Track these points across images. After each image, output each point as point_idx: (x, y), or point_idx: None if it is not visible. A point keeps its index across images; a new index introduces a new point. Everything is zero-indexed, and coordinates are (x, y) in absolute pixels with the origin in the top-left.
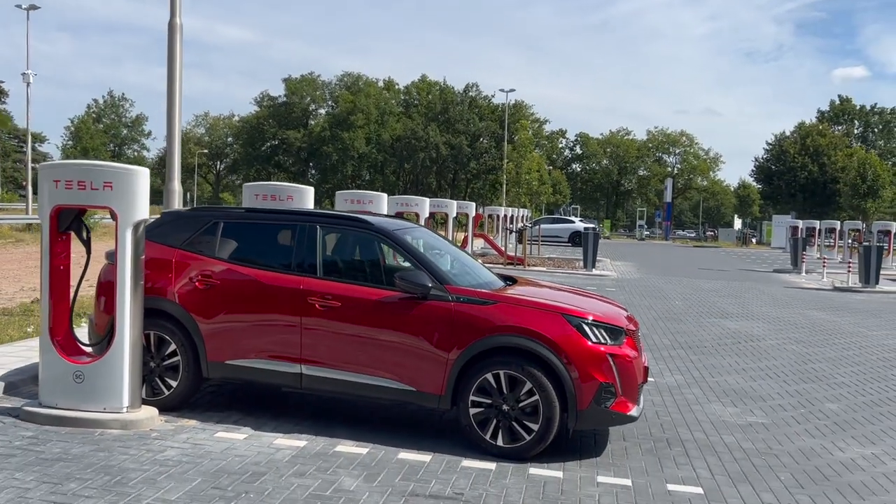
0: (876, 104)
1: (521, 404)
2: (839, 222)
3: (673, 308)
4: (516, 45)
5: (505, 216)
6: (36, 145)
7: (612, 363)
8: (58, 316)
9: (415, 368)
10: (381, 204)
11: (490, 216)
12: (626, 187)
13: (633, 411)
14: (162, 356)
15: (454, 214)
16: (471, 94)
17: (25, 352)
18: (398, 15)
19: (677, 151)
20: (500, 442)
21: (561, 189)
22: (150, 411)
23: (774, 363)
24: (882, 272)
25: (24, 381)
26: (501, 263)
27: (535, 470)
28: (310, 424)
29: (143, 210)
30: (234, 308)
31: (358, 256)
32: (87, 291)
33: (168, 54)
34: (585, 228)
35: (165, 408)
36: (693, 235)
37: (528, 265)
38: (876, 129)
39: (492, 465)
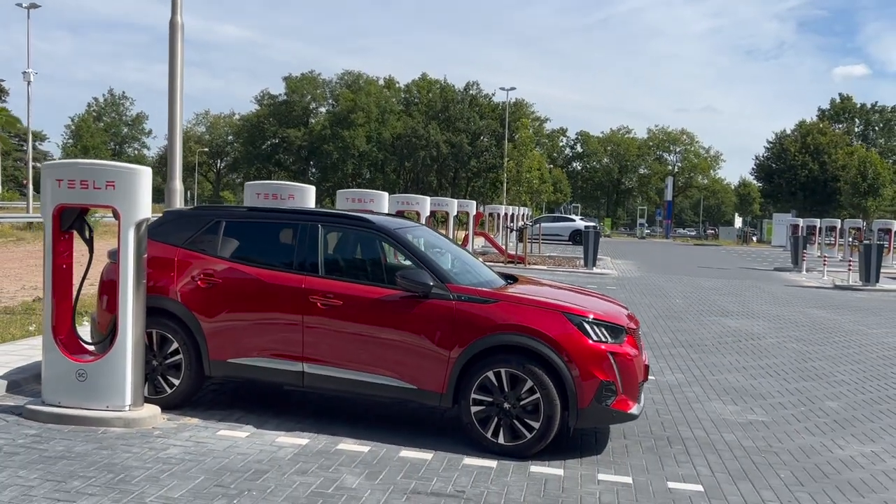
0: (877, 102)
1: (522, 402)
2: (840, 220)
3: (673, 306)
4: (516, 43)
5: (505, 215)
6: (36, 144)
7: (612, 361)
8: (60, 314)
9: (416, 367)
10: (381, 202)
11: (491, 215)
12: (627, 186)
13: (634, 409)
14: (164, 355)
15: (455, 213)
16: (471, 92)
17: (28, 350)
18: (398, 14)
19: (678, 150)
20: (501, 440)
21: (561, 187)
22: (152, 409)
23: (775, 361)
24: (882, 270)
25: (26, 380)
26: (502, 262)
27: (537, 468)
28: (312, 422)
29: (145, 209)
30: (236, 307)
31: (359, 255)
32: (89, 290)
33: (169, 53)
34: (586, 227)
35: (168, 406)
36: (693, 234)
37: (529, 264)
38: (876, 128)
39: (493, 463)
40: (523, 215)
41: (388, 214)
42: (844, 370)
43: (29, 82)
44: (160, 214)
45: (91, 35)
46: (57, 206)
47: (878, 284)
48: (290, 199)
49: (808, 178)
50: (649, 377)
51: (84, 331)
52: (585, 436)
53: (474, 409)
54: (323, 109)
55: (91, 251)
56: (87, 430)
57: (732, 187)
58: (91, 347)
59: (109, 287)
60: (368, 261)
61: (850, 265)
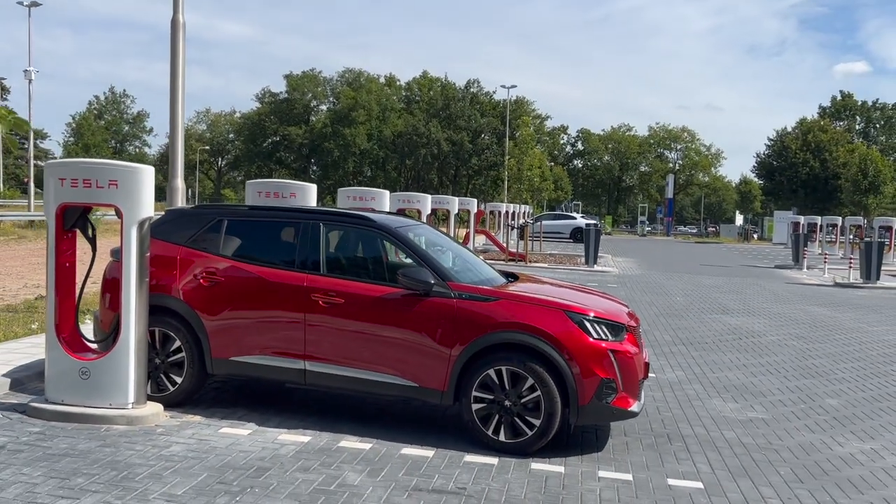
0: (878, 100)
1: (523, 400)
2: (840, 218)
3: (674, 304)
4: (517, 41)
5: (506, 212)
6: (38, 142)
7: (613, 359)
8: (64, 313)
9: (417, 364)
10: (382, 200)
11: (492, 212)
12: (628, 183)
13: (634, 407)
14: (167, 353)
15: (456, 211)
16: (472, 90)
17: (31, 348)
18: (398, 12)
19: (679, 147)
20: (502, 437)
21: (562, 185)
22: (155, 407)
23: (775, 359)
24: (883, 268)
25: (29, 378)
26: (503, 260)
27: (537, 465)
28: (314, 420)
29: (148, 208)
30: (239, 305)
31: (361, 253)
32: (92, 288)
33: (171, 51)
34: (587, 224)
35: (170, 404)
36: (694, 231)
37: (530, 261)
38: (877, 125)
39: (494, 460)
40: (524, 213)
41: (389, 212)
42: (845, 368)
43: (30, 80)
44: (162, 213)
45: (92, 33)
46: (60, 204)
47: (878, 282)
48: (291, 197)
49: (809, 176)
50: (650, 375)
51: (87, 329)
52: (586, 433)
53: (475, 406)
54: (324, 107)
55: (94, 250)
56: (91, 428)
57: (733, 185)
58: (94, 345)
59: (112, 285)
60: (370, 259)
61: (850, 263)
